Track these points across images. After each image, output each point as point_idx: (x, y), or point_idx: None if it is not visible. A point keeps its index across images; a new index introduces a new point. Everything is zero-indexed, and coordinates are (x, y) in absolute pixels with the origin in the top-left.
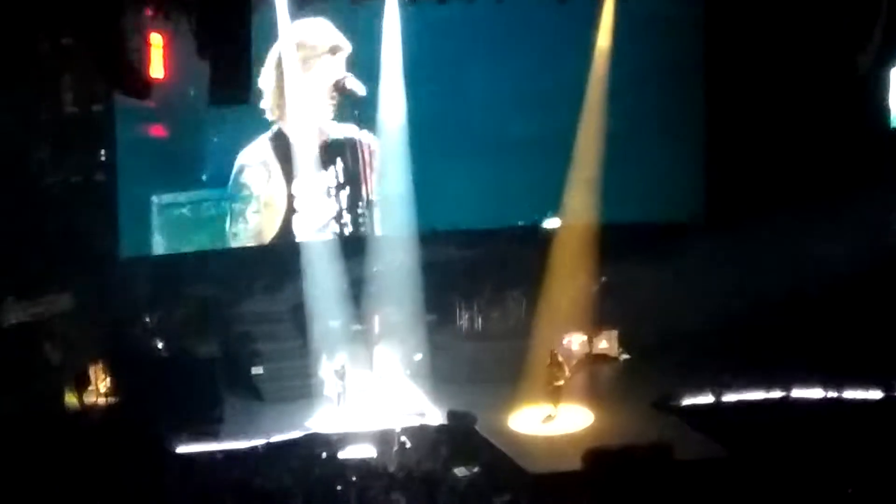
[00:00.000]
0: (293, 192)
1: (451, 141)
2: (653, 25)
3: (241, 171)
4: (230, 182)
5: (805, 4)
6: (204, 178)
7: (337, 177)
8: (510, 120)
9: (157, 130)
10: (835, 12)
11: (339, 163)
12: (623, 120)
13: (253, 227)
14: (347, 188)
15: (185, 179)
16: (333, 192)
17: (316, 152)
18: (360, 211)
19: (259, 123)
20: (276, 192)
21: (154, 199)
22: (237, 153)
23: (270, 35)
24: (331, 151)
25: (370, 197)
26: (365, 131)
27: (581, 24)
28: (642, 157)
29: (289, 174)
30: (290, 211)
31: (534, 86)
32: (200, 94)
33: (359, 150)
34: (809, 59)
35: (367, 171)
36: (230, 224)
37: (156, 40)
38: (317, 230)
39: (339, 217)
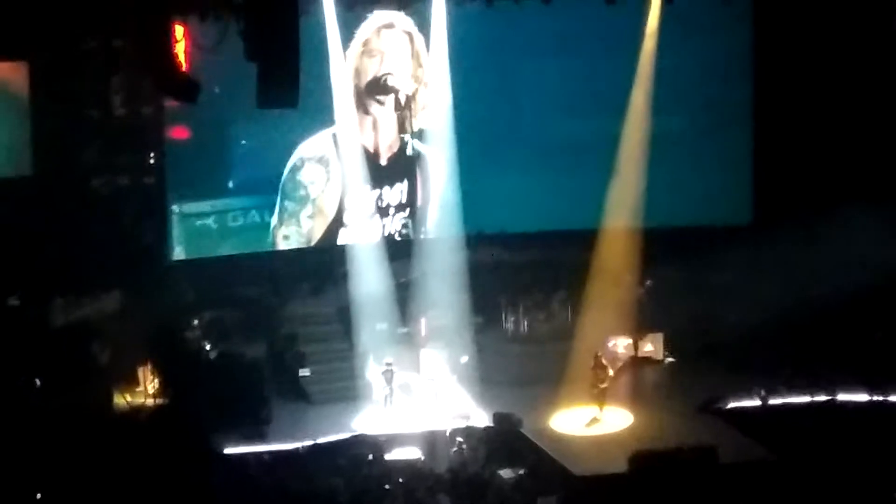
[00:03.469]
0: (346, 194)
1: (498, 143)
2: (700, 25)
3: (298, 167)
4: (283, 179)
5: (857, 2)
6: (231, 185)
7: (393, 186)
8: (557, 122)
9: (180, 133)
10: (888, 10)
11: (398, 173)
12: (670, 122)
13: (306, 231)
14: (402, 198)
15: (207, 186)
16: (388, 200)
17: (376, 158)
18: (407, 214)
19: (295, 127)
20: (331, 194)
21: (174, 208)
22: (269, 159)
23: (319, 37)
24: (391, 161)
25: (418, 200)
26: (427, 146)
27: (629, 24)
28: (689, 160)
29: (345, 178)
30: (340, 213)
31: (581, 88)
32: (227, 97)
33: (418, 164)
34: (860, 58)
35: (417, 174)
36: (279, 225)
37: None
38: (365, 233)
39: (387, 220)
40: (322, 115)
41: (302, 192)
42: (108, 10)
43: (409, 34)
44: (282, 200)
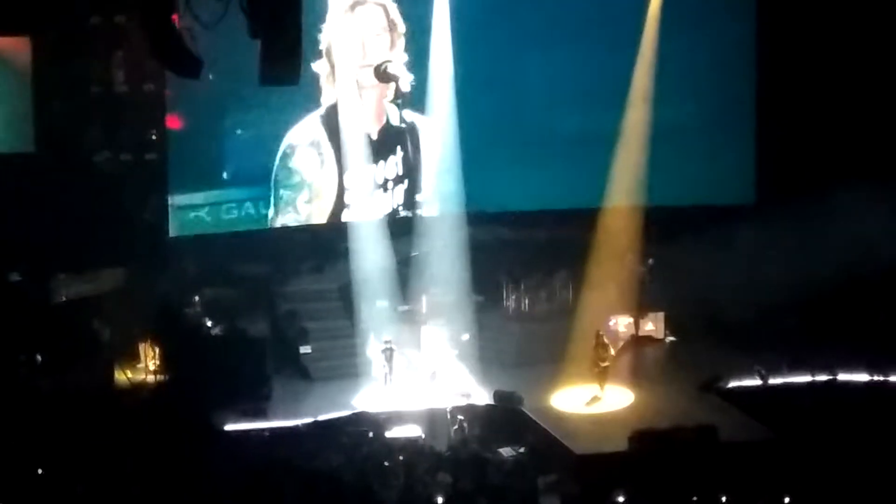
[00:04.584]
0: (344, 175)
1: (500, 123)
2: (704, 7)
3: (289, 153)
4: (275, 167)
5: None
6: (225, 176)
7: (387, 159)
8: (560, 103)
9: (171, 122)
10: None
11: (390, 145)
12: (673, 101)
13: (305, 217)
14: (398, 170)
15: (200, 177)
16: (384, 174)
17: (367, 134)
18: (406, 186)
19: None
20: (327, 177)
21: (167, 199)
22: (262, 148)
23: (321, 15)
24: (381, 134)
25: (415, 170)
26: (416, 114)
27: (632, 7)
28: (692, 139)
29: (340, 157)
30: (341, 195)
31: (584, 68)
32: (217, 85)
33: (409, 133)
34: (861, 40)
35: (418, 153)
36: (276, 216)
37: None
38: (366, 213)
39: (387, 195)
40: (308, 98)
41: (296, 179)
42: None
43: (383, 6)
44: (276, 189)
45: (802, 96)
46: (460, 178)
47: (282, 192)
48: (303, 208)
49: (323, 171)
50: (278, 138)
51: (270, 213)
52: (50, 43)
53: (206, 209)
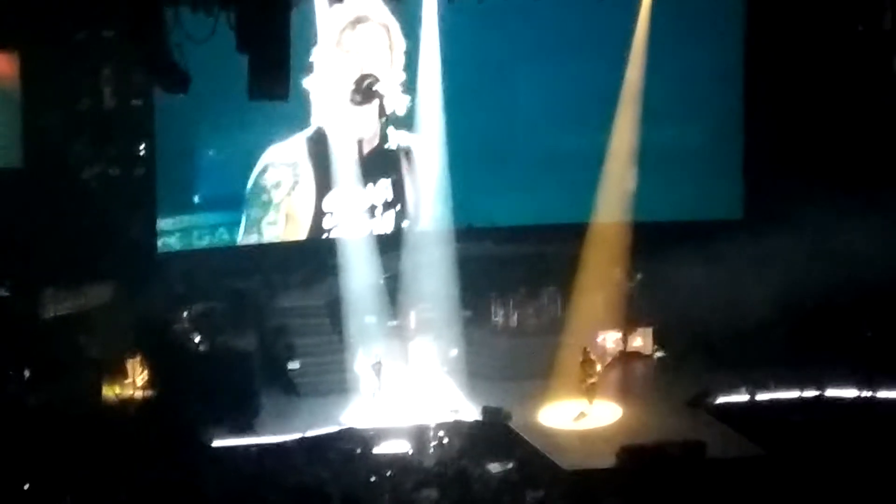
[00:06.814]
0: (324, 198)
1: (487, 137)
2: (692, 20)
3: (264, 171)
4: (248, 188)
5: (846, 4)
6: (196, 200)
7: (377, 183)
8: (549, 119)
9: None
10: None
11: (381, 169)
12: (660, 116)
13: (268, 240)
14: (388, 195)
15: (169, 201)
16: (373, 198)
17: (358, 156)
18: (396, 211)
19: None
20: (301, 200)
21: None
22: (238, 170)
23: (315, 31)
24: (373, 156)
25: (406, 196)
26: (411, 137)
27: (620, 19)
28: (680, 154)
29: (322, 178)
30: (319, 218)
31: (571, 83)
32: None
33: (403, 157)
34: (848, 57)
35: (412, 178)
36: (244, 236)
37: None
38: (352, 231)
39: (374, 220)
40: (294, 116)
41: (265, 198)
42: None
43: (386, 26)
44: (247, 209)
45: (790, 112)
46: (449, 193)
47: (251, 211)
48: (267, 230)
49: (295, 194)
50: (258, 158)
51: (240, 233)
52: (38, 58)
53: (176, 235)
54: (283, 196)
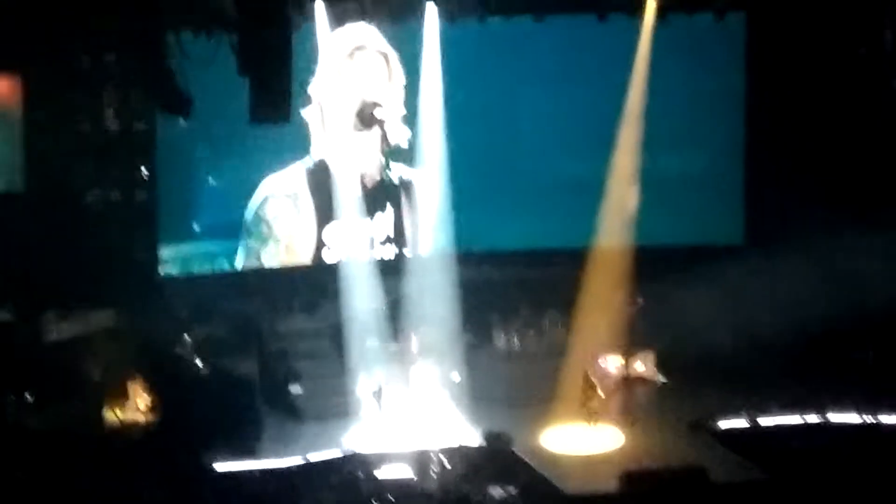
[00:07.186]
0: (324, 230)
1: (488, 161)
2: (694, 45)
3: (264, 202)
4: (249, 215)
5: (847, 28)
6: (196, 228)
7: (377, 216)
8: (550, 145)
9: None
10: (877, 36)
11: (382, 201)
12: (662, 141)
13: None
14: (389, 229)
15: (167, 230)
16: (373, 232)
17: (359, 188)
18: (397, 239)
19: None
20: (301, 232)
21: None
22: (239, 198)
23: (314, 60)
24: (375, 189)
25: (405, 229)
26: (412, 171)
27: (621, 42)
28: (681, 179)
29: (323, 210)
30: (319, 250)
31: (573, 107)
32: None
33: (405, 191)
34: (850, 81)
35: (402, 201)
36: (243, 260)
37: None
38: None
39: (374, 246)
40: (294, 145)
41: (264, 230)
42: (102, 24)
43: (384, 54)
44: (246, 239)
45: (792, 136)
46: (450, 218)
47: (248, 242)
48: (266, 262)
49: (296, 226)
50: (257, 186)
51: (238, 262)
52: (39, 81)
53: (178, 263)
54: (283, 228)
